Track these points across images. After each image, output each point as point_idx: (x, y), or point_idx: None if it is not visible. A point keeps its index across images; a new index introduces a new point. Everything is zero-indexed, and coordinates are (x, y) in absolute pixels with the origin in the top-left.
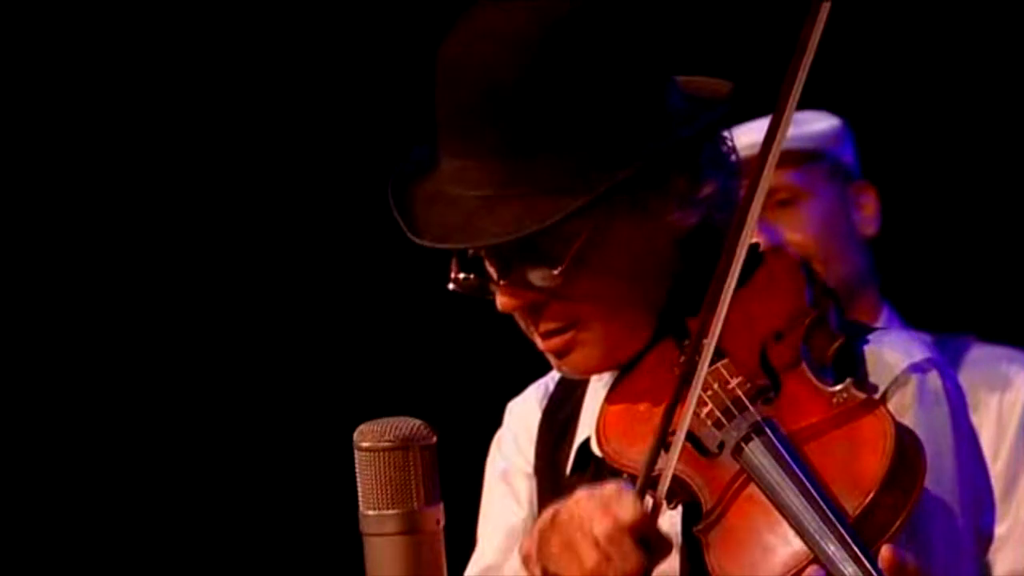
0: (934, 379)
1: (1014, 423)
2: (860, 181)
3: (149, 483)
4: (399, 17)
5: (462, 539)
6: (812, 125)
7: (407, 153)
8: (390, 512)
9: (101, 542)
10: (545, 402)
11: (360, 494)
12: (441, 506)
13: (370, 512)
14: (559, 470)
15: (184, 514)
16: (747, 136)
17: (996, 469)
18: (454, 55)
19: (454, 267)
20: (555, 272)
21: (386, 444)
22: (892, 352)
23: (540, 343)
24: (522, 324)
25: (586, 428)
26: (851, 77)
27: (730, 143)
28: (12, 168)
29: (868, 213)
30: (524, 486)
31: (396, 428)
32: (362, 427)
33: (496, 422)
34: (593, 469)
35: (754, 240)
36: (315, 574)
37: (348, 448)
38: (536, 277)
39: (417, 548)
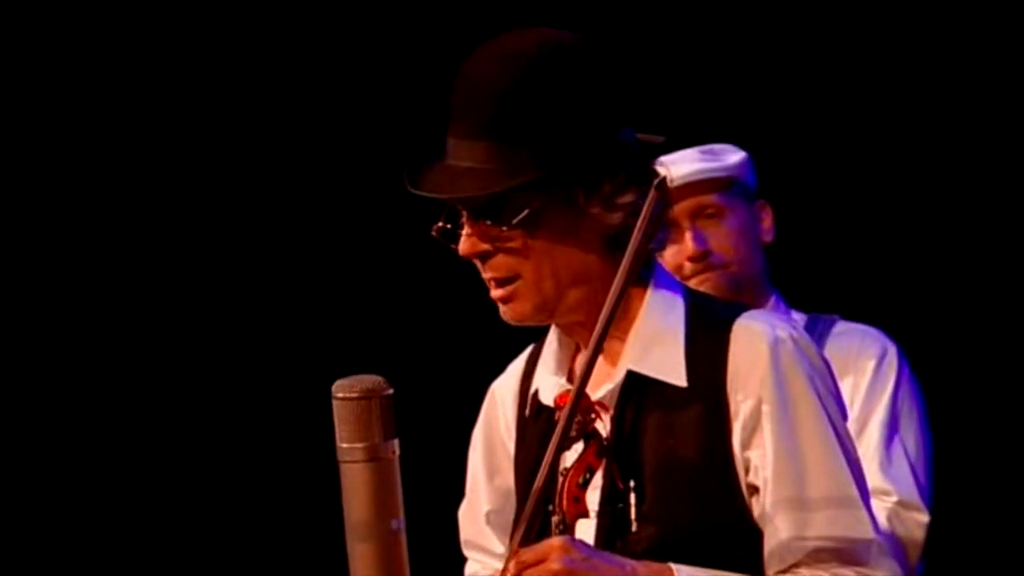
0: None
1: (866, 379)
2: (760, 200)
3: (133, 447)
4: (382, 26)
5: (414, 468)
6: (729, 157)
7: (427, 142)
8: (358, 445)
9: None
10: (521, 372)
11: (336, 431)
12: (396, 440)
13: (344, 445)
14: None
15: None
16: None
17: (852, 415)
18: (474, 62)
19: (441, 218)
20: (503, 230)
21: (354, 395)
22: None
23: (491, 290)
24: (482, 274)
25: (536, 383)
26: (754, 118)
27: (657, 174)
28: (12, 168)
29: (767, 225)
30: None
31: (362, 383)
32: (337, 382)
33: (445, 381)
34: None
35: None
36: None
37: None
38: (491, 232)
39: (378, 472)
